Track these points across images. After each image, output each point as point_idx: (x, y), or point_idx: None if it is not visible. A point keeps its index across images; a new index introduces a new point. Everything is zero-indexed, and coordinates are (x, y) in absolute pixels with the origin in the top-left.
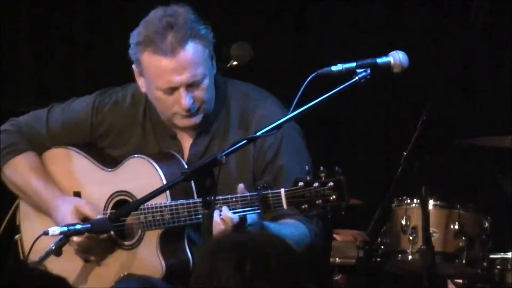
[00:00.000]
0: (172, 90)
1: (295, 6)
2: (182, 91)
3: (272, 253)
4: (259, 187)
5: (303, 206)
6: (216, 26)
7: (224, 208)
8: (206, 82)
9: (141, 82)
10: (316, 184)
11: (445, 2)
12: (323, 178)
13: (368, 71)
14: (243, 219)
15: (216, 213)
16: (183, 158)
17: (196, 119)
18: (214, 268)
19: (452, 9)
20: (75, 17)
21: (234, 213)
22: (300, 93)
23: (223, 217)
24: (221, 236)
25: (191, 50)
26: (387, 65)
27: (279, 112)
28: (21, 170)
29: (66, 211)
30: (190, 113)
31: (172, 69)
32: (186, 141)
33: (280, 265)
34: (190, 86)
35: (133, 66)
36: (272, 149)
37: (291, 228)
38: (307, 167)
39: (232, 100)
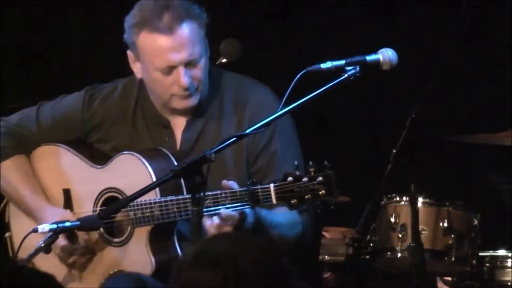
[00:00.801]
0: (171, 69)
1: (287, 3)
2: (180, 69)
3: (253, 268)
4: (248, 183)
5: (292, 201)
6: (207, 23)
7: (222, 210)
8: (203, 61)
9: (136, 68)
10: (305, 179)
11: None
12: (312, 173)
13: (357, 68)
14: (243, 213)
15: (214, 218)
16: (175, 146)
17: (194, 100)
18: (199, 282)
19: (448, 7)
20: (74, 17)
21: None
22: (289, 90)
23: (225, 216)
24: (206, 247)
25: (188, 29)
26: (376, 63)
27: (272, 98)
28: (8, 177)
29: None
30: (188, 92)
31: (171, 47)
32: (179, 129)
33: (260, 279)
34: (188, 64)
35: (128, 52)
36: (265, 136)
37: (283, 214)
38: (296, 162)
39: (225, 88)
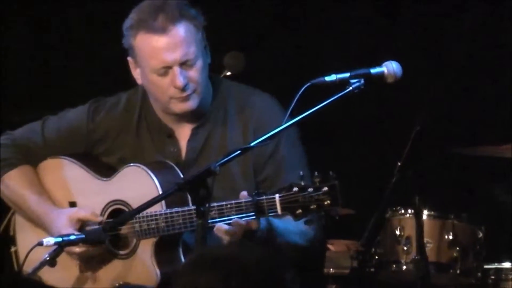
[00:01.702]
0: (166, 70)
1: (290, 15)
2: (175, 69)
3: (255, 266)
4: (253, 193)
5: (297, 211)
6: (210, 35)
7: (235, 218)
8: (199, 63)
9: (136, 74)
10: (310, 189)
11: (442, 4)
12: (317, 183)
13: (362, 81)
14: (255, 224)
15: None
16: (181, 156)
17: (193, 103)
18: (199, 285)
19: (450, 11)
20: (72, 26)
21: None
22: (293, 103)
23: (233, 223)
24: (205, 251)
25: (183, 28)
26: (381, 75)
27: (275, 104)
28: (14, 186)
29: (62, 223)
30: (185, 94)
31: (165, 47)
32: (183, 139)
33: (264, 277)
34: (184, 65)
35: (128, 58)
36: (272, 144)
37: (294, 222)
38: (301, 172)
39: (228, 95)
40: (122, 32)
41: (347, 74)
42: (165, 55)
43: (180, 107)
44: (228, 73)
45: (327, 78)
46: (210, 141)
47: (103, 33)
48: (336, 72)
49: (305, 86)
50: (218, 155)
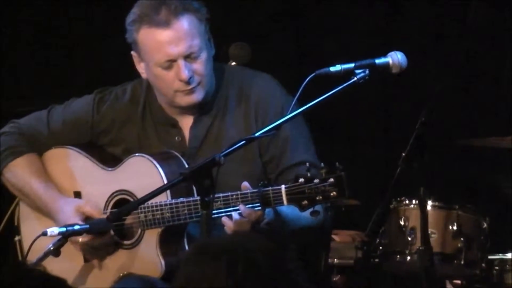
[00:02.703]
0: (171, 63)
1: (294, 7)
2: (180, 62)
3: (261, 254)
4: (259, 184)
5: (303, 203)
6: (215, 27)
7: (241, 206)
8: (204, 55)
9: (141, 68)
10: (316, 181)
11: (444, 2)
12: (323, 174)
13: (367, 71)
14: (261, 213)
15: (234, 214)
16: (185, 144)
17: (198, 96)
18: (204, 273)
19: (452, 9)
20: (75, 17)
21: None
22: (299, 93)
23: (245, 214)
24: (209, 241)
25: (186, 21)
26: (386, 66)
27: (275, 85)
28: (20, 173)
29: (68, 213)
30: (191, 87)
31: (169, 40)
32: (187, 128)
33: (269, 265)
34: (188, 57)
35: (132, 53)
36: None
37: None
38: (307, 164)
39: (229, 80)
40: (125, 27)
41: (352, 65)
42: (169, 49)
43: (185, 100)
44: (233, 63)
45: (332, 69)
46: (212, 129)
47: (107, 23)
48: (341, 63)
49: (310, 76)
50: (220, 142)
